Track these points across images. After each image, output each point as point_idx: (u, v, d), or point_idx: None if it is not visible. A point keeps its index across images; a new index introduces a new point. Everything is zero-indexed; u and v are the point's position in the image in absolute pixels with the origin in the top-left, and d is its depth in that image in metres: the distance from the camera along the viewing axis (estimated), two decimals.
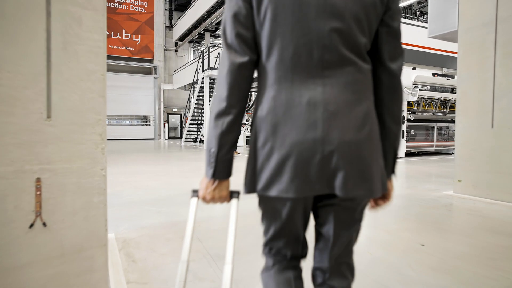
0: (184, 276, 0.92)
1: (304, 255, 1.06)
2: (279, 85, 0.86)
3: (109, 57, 22.47)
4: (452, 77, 11.05)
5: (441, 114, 11.51)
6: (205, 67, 14.39)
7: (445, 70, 12.12)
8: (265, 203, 0.98)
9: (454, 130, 11.86)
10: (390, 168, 0.97)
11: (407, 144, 10.56)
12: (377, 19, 0.88)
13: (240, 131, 0.93)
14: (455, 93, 11.67)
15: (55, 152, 1.50)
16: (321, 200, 0.96)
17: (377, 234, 3.00)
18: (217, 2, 17.17)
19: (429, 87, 10.86)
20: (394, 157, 0.98)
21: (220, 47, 16.20)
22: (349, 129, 0.83)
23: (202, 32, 22.44)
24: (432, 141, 11.33)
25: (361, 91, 0.86)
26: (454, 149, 12.45)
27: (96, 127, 1.60)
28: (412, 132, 10.72)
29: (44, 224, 1.48)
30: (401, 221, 3.43)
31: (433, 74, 10.68)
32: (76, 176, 1.55)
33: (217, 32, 22.66)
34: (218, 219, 3.46)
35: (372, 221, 3.40)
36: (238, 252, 2.50)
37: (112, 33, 22.67)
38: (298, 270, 1.04)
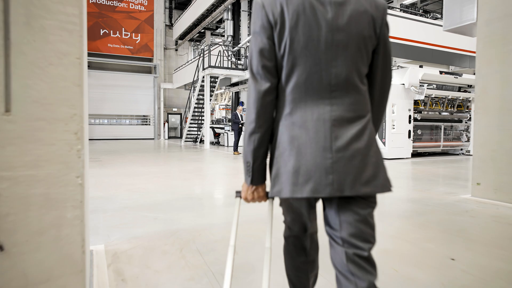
0: (232, 259, 1.11)
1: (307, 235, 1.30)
2: (294, 104, 1.05)
3: (108, 56, 22.19)
4: (460, 75, 10.72)
5: (447, 114, 11.18)
6: (206, 65, 14.06)
7: (452, 68, 11.78)
8: (285, 201, 1.24)
9: (461, 130, 11.55)
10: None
11: (414, 144, 10.23)
12: (372, 48, 1.08)
13: (269, 144, 1.12)
14: (462, 91, 11.37)
15: (16, 156, 1.18)
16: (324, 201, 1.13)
17: (398, 246, 2.68)
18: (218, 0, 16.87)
19: (435, 86, 10.54)
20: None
21: (221, 45, 15.89)
22: (352, 140, 1.00)
23: (202, 30, 22.14)
24: (439, 141, 11.00)
25: (360, 109, 1.04)
26: (461, 149, 12.18)
27: (70, 123, 1.28)
28: (419, 132, 10.39)
29: (1, 248, 1.16)
30: (422, 230, 3.11)
31: (441, 72, 10.34)
32: (44, 186, 1.23)
33: (217, 31, 22.38)
34: (219, 227, 3.14)
35: (390, 228, 3.08)
36: (243, 268, 2.18)
37: (111, 31, 22.35)
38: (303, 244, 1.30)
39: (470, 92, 11.23)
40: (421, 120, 10.39)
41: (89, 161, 9.31)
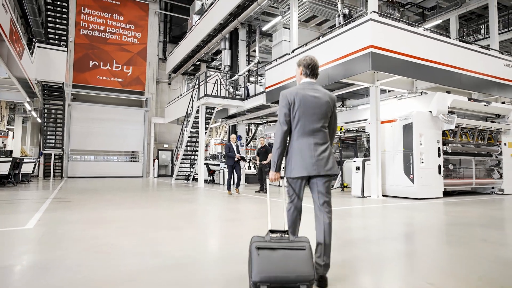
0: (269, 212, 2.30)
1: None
2: (297, 137, 2.42)
3: (97, 89, 20.96)
4: (489, 103, 9.53)
5: (473, 146, 9.81)
6: (201, 94, 12.77)
7: (476, 96, 10.62)
8: (292, 180, 2.47)
9: (491, 166, 10.15)
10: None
11: (444, 181, 8.74)
12: (330, 115, 2.49)
13: (284, 153, 2.50)
14: (490, 121, 10.11)
15: None
16: (310, 179, 2.46)
17: None
18: (214, 29, 16.00)
19: (461, 115, 9.29)
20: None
21: (218, 72, 14.72)
22: (322, 152, 2.40)
23: (197, 63, 21.25)
24: (470, 178, 9.55)
25: (325, 139, 2.45)
26: (492, 187, 10.73)
27: None
28: (451, 167, 8.96)
29: None
30: None
31: (469, 99, 9.15)
32: None
33: (213, 63, 21.50)
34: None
35: None
36: None
37: (102, 63, 21.30)
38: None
39: (499, 123, 9.99)
40: (451, 153, 8.99)
41: (53, 201, 7.58)
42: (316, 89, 2.47)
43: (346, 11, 11.30)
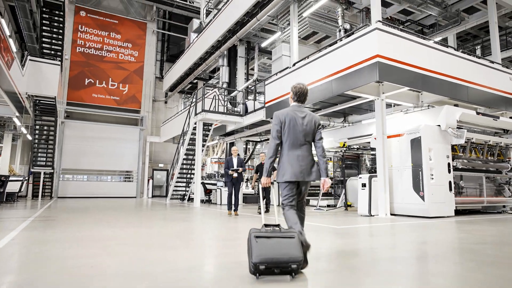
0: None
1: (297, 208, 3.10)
2: (288, 150, 3.04)
3: (92, 106, 20.55)
4: (497, 117, 9.21)
5: (480, 162, 9.40)
6: (199, 110, 12.38)
7: (482, 111, 10.31)
8: (286, 184, 3.04)
9: (502, 183, 9.71)
10: (324, 173, 3.06)
11: (456, 199, 8.26)
12: (315, 132, 3.13)
13: (275, 161, 3.12)
14: (500, 137, 9.76)
15: None
16: (299, 184, 3.09)
17: None
18: (212, 46, 15.84)
19: (469, 129, 8.93)
20: (324, 168, 3.06)
21: (216, 87, 14.39)
22: (307, 163, 3.03)
23: (195, 81, 21.01)
24: (481, 195, 9.08)
25: (310, 151, 3.07)
26: (503, 206, 10.26)
27: None
28: (462, 183, 8.50)
29: None
30: None
31: (477, 113, 8.81)
32: None
33: (210, 81, 21.26)
34: None
35: None
36: None
37: (97, 81, 21.00)
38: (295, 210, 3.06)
39: (507, 138, 9.64)
40: (460, 169, 8.56)
41: (36, 220, 6.92)
42: (302, 111, 3.14)
43: (347, 26, 11.15)
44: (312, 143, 3.12)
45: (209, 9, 19.15)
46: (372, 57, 7.08)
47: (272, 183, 3.17)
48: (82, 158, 19.61)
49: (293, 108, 3.13)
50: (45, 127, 16.42)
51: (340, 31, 11.10)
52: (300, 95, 3.16)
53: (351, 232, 5.42)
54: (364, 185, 8.47)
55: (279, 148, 3.08)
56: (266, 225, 2.66)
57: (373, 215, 8.15)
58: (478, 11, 12.66)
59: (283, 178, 2.99)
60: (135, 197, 20.56)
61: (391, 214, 8.10)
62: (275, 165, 3.33)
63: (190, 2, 23.99)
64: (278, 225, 2.67)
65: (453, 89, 8.41)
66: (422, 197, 7.75)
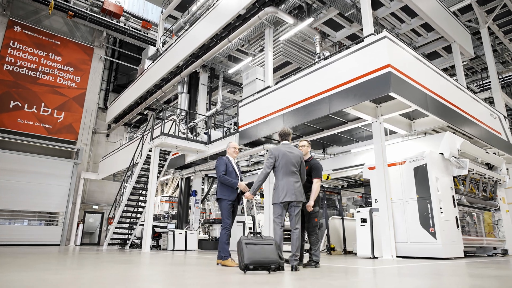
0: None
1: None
2: (282, 178, 4.44)
3: (15, 133, 17.20)
4: (487, 151, 8.75)
5: (476, 198, 8.73)
6: (156, 133, 10.43)
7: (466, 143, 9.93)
8: (280, 205, 4.41)
9: (491, 223, 9.05)
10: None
11: (464, 237, 7.23)
12: (300, 163, 4.60)
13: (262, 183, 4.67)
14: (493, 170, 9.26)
15: None
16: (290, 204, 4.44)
17: None
18: (171, 72, 14.34)
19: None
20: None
21: (175, 115, 12.58)
22: (298, 186, 4.43)
23: (145, 112, 18.93)
24: (479, 235, 8.22)
25: (298, 178, 4.51)
26: (494, 248, 9.54)
27: None
28: (468, 219, 7.56)
29: None
30: None
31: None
32: None
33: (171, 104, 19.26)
34: None
35: None
36: None
37: (26, 105, 17.90)
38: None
39: (499, 174, 9.18)
40: (464, 205, 7.68)
41: None
42: (290, 147, 4.60)
43: (326, 53, 10.51)
44: (298, 173, 4.51)
45: (167, 39, 17.96)
46: (384, 66, 6.14)
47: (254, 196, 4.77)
48: None
49: (283, 146, 4.62)
50: None
51: (319, 57, 10.40)
52: (282, 136, 4.75)
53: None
54: (364, 220, 7.10)
55: (274, 174, 4.56)
56: (250, 232, 4.06)
57: (376, 257, 6.73)
58: (440, 56, 12.99)
59: (281, 199, 4.33)
60: (59, 244, 16.83)
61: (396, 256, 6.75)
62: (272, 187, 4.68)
63: (144, 34, 22.66)
64: (259, 233, 4.01)
65: (455, 117, 7.79)
66: (433, 234, 6.57)
